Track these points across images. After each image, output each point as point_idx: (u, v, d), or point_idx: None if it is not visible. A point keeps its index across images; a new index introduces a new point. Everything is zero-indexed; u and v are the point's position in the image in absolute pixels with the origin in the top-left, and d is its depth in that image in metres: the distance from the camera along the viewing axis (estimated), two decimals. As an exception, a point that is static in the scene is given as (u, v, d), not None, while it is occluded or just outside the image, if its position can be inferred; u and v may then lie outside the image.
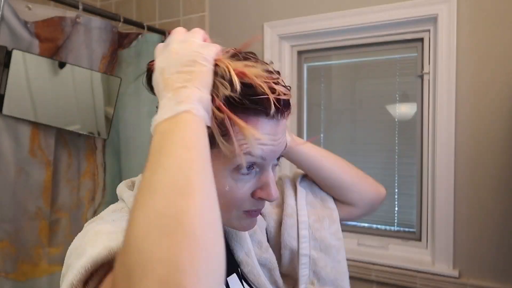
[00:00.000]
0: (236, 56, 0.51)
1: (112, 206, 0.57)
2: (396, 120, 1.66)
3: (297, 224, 0.68)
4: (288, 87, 0.51)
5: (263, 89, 0.46)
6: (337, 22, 1.64)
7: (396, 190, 1.67)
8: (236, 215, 0.52)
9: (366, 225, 1.73)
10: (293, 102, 0.55)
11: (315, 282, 0.66)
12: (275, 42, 1.78)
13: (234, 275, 0.60)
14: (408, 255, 1.60)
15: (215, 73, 0.47)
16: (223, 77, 0.46)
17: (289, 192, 0.72)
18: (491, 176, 1.41)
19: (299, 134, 1.86)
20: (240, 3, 1.86)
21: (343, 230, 1.84)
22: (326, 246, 0.68)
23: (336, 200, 0.74)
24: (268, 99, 0.46)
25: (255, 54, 0.54)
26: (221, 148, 0.47)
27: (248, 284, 0.62)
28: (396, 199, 1.67)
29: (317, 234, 0.68)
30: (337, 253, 0.69)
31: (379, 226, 1.71)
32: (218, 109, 0.45)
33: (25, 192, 1.36)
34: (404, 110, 1.65)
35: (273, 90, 0.47)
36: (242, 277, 0.62)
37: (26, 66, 1.33)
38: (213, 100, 0.45)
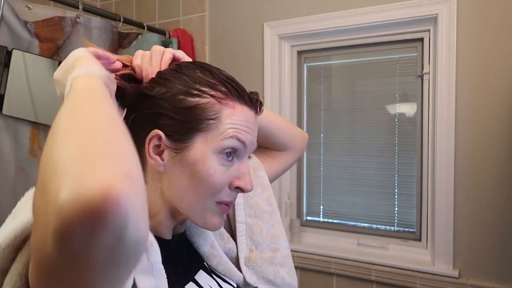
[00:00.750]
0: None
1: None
2: (396, 120, 1.66)
3: None
4: (255, 92, 0.58)
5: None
6: (337, 22, 1.64)
7: (396, 190, 1.67)
8: (211, 206, 0.54)
9: (366, 225, 1.73)
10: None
11: (253, 249, 0.68)
12: (275, 42, 1.78)
13: (201, 271, 0.60)
14: (408, 255, 1.60)
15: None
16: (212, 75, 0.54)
17: None
18: (491, 176, 1.42)
19: (299, 134, 1.86)
20: (240, 3, 1.86)
21: (343, 230, 1.85)
22: (260, 212, 0.71)
23: (270, 152, 0.78)
24: (245, 91, 0.54)
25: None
26: (210, 131, 0.51)
27: (218, 276, 0.63)
28: (396, 199, 1.67)
29: (250, 202, 0.71)
30: (270, 217, 0.71)
31: (379, 226, 1.71)
32: (215, 97, 0.52)
33: (25, 192, 1.36)
34: (404, 110, 1.65)
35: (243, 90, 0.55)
36: (211, 271, 0.63)
37: (26, 66, 1.33)
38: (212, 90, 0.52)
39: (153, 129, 0.51)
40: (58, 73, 0.46)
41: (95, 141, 0.31)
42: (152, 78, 0.53)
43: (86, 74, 0.41)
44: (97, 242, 0.27)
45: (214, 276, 0.62)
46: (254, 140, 0.55)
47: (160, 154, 0.52)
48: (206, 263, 0.63)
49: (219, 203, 0.54)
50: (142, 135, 0.51)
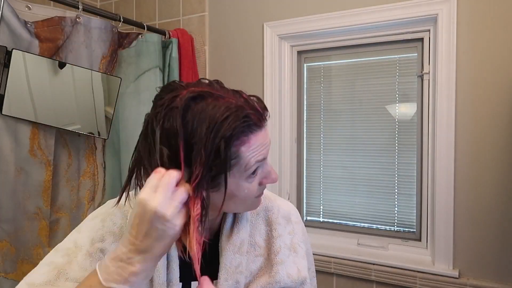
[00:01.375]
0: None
1: (97, 210, 0.71)
2: (396, 120, 1.66)
3: None
4: (255, 97, 0.60)
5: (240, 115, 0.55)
6: (337, 22, 1.64)
7: (396, 190, 1.67)
8: (251, 201, 0.64)
9: (366, 225, 1.73)
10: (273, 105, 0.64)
11: None
12: (275, 42, 1.78)
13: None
14: (408, 255, 1.60)
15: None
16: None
17: None
18: (491, 176, 1.42)
19: (299, 134, 1.86)
20: (240, 3, 1.86)
21: (343, 230, 1.84)
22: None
23: None
24: (254, 117, 0.56)
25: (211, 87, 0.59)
26: (233, 168, 0.57)
27: None
28: (396, 199, 1.67)
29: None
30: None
31: (379, 226, 1.71)
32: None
33: (25, 192, 1.36)
34: (404, 110, 1.65)
35: (249, 108, 0.56)
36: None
37: (26, 66, 1.33)
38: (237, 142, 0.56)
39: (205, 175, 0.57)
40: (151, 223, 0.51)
41: None
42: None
43: None
44: None
45: None
46: (269, 146, 0.61)
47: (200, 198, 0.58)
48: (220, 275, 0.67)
49: (256, 197, 0.64)
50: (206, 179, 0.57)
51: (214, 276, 0.66)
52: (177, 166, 0.53)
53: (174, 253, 0.64)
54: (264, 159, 0.60)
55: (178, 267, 0.64)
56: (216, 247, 0.69)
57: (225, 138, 0.54)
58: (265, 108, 0.60)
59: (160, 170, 0.53)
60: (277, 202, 0.78)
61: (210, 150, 0.53)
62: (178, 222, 0.51)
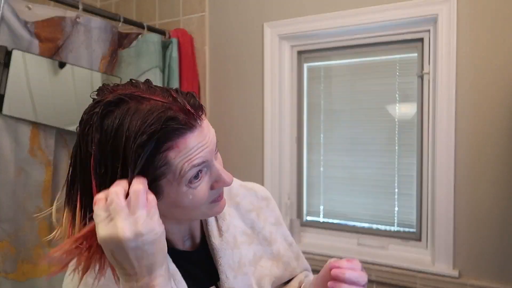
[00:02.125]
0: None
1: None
2: (396, 120, 1.66)
3: None
4: (189, 93, 0.55)
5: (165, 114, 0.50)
6: (337, 22, 1.64)
7: (396, 190, 1.67)
8: (205, 207, 0.58)
9: (366, 225, 1.73)
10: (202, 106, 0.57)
11: None
12: (275, 42, 1.78)
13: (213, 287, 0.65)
14: (408, 255, 1.60)
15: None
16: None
17: None
18: (491, 176, 1.42)
19: (299, 134, 1.86)
20: (240, 3, 1.86)
21: (343, 230, 1.85)
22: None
23: None
24: (181, 119, 0.51)
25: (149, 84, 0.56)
26: (167, 175, 0.52)
27: None
28: (396, 199, 1.67)
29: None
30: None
31: (379, 226, 1.71)
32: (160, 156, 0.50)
33: (25, 192, 1.36)
34: (404, 110, 1.65)
35: (177, 109, 0.51)
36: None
37: (26, 66, 1.33)
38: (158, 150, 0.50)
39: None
40: (130, 244, 0.46)
41: None
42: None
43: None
44: None
45: None
46: (211, 147, 0.55)
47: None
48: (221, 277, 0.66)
49: (211, 202, 0.59)
50: None
51: (215, 279, 0.66)
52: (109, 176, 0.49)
53: (172, 266, 0.59)
54: (205, 162, 0.54)
55: (182, 277, 0.60)
56: (204, 253, 0.68)
57: (144, 145, 0.48)
58: (199, 107, 0.54)
59: (100, 198, 0.47)
60: (241, 187, 0.77)
61: (131, 159, 0.48)
62: (154, 225, 0.47)
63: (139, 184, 0.48)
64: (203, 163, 0.53)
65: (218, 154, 0.60)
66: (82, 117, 0.53)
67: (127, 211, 0.46)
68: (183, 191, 0.53)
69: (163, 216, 0.52)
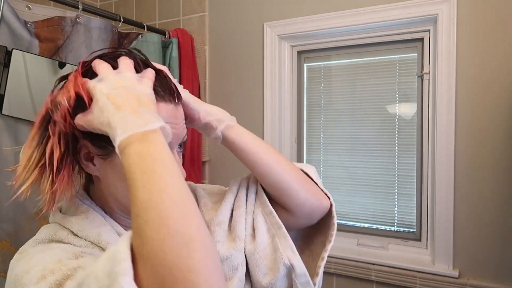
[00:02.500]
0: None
1: (38, 236, 0.60)
2: (396, 120, 1.66)
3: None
4: (164, 76, 0.56)
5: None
6: (337, 22, 1.64)
7: (396, 190, 1.67)
8: None
9: (366, 225, 1.73)
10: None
11: None
12: (275, 42, 1.78)
13: None
14: (408, 255, 1.60)
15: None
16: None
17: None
18: (491, 176, 1.42)
19: (299, 135, 1.86)
20: (240, 3, 1.86)
21: (343, 230, 1.84)
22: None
23: (273, 201, 0.68)
24: (161, 88, 0.52)
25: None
26: None
27: None
28: (396, 199, 1.67)
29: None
30: None
31: (379, 226, 1.71)
32: None
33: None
34: (404, 110, 1.65)
35: (158, 79, 0.53)
36: None
37: (26, 66, 1.33)
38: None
39: (78, 136, 0.52)
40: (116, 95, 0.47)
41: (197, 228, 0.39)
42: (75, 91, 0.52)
43: (150, 131, 0.43)
44: None
45: None
46: (179, 132, 0.55)
47: (91, 160, 0.55)
48: None
49: None
50: (72, 141, 0.53)
51: None
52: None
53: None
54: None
55: None
56: None
57: None
58: (178, 93, 0.56)
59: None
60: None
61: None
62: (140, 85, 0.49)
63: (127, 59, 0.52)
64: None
65: (181, 155, 0.60)
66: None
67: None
68: None
69: (107, 187, 0.55)
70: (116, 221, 0.59)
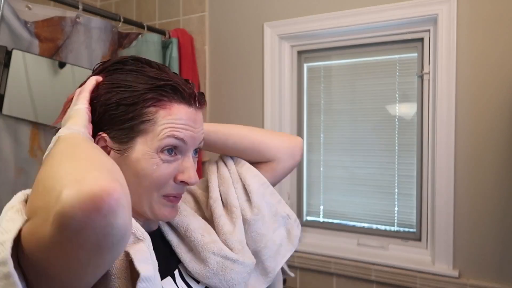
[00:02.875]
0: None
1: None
2: (396, 120, 1.66)
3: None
4: (190, 82, 0.60)
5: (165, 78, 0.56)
6: (337, 22, 1.64)
7: (396, 190, 1.67)
8: (158, 199, 0.57)
9: (366, 225, 1.73)
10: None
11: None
12: (275, 42, 1.78)
13: (169, 277, 0.62)
14: (408, 255, 1.60)
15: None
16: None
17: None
18: (491, 176, 1.42)
19: (299, 134, 1.86)
20: (240, 3, 1.86)
21: (343, 230, 1.85)
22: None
23: (256, 164, 0.76)
24: (179, 88, 0.55)
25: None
26: (148, 133, 0.54)
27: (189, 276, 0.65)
28: (396, 199, 1.67)
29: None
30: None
31: (379, 226, 1.71)
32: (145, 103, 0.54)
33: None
34: (404, 110, 1.65)
35: (183, 83, 0.57)
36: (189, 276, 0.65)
37: (26, 66, 1.33)
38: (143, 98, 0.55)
39: (99, 129, 0.56)
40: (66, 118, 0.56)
41: (89, 159, 0.41)
42: (98, 85, 0.58)
43: (70, 133, 0.50)
44: (92, 224, 0.35)
45: (189, 281, 0.64)
46: (196, 135, 0.57)
47: (107, 151, 0.56)
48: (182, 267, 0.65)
49: (166, 196, 0.57)
50: (94, 121, 0.57)
51: (172, 269, 0.64)
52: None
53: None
54: (184, 142, 0.56)
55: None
56: (160, 242, 0.65)
57: (145, 91, 0.54)
58: (202, 97, 0.59)
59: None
60: None
61: (121, 98, 0.54)
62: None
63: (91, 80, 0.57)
64: (182, 141, 0.55)
65: (196, 159, 0.62)
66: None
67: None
68: (152, 156, 0.54)
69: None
70: None
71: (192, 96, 0.57)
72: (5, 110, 1.30)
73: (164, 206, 0.58)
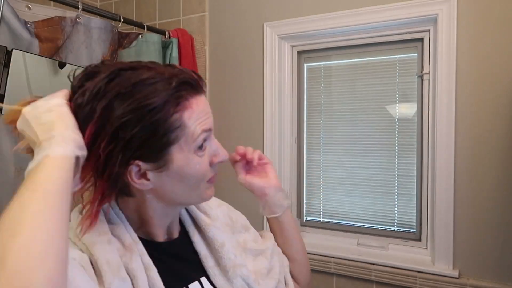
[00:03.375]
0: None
1: None
2: (396, 120, 1.66)
3: None
4: (182, 68, 0.57)
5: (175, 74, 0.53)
6: (337, 22, 1.64)
7: (396, 190, 1.67)
8: (204, 186, 0.59)
9: (366, 225, 1.73)
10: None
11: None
12: (275, 42, 1.78)
13: (196, 282, 0.62)
14: (408, 255, 1.60)
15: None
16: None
17: None
18: (491, 176, 1.42)
19: (299, 135, 1.86)
20: (240, 3, 1.86)
21: (343, 230, 1.85)
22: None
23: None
24: (189, 81, 0.53)
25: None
26: (180, 138, 0.53)
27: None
28: (396, 199, 1.67)
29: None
30: None
31: (379, 226, 1.71)
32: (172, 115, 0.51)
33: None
34: (404, 110, 1.65)
35: (182, 73, 0.54)
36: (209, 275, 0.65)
37: (26, 66, 1.33)
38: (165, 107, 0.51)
39: (129, 160, 0.51)
40: (29, 116, 0.49)
41: (31, 236, 0.37)
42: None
43: (56, 157, 0.43)
44: None
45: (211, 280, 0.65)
46: (211, 117, 0.58)
47: (144, 176, 0.54)
48: (204, 265, 0.65)
49: (208, 180, 0.60)
50: (120, 165, 0.51)
51: (199, 274, 0.64)
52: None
53: (147, 260, 0.56)
54: (210, 130, 0.56)
55: (157, 273, 0.56)
56: (185, 245, 0.66)
57: (162, 103, 0.49)
58: (200, 77, 0.57)
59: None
60: None
61: (143, 118, 0.49)
62: (53, 100, 0.49)
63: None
64: (209, 130, 0.56)
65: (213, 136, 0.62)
66: (83, 86, 0.51)
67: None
68: (192, 158, 0.55)
69: (158, 196, 0.56)
70: (146, 233, 0.61)
71: (198, 82, 0.56)
72: (5, 110, 1.30)
73: (208, 189, 0.61)
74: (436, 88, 1.49)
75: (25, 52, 1.32)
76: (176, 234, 0.65)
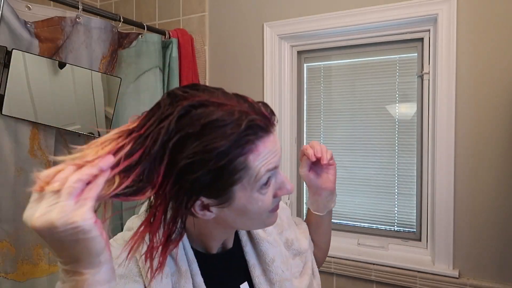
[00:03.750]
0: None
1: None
2: (396, 120, 1.66)
3: None
4: (261, 102, 0.56)
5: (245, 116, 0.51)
6: (337, 22, 1.64)
7: (396, 190, 1.67)
8: (266, 216, 0.60)
9: (366, 225, 1.73)
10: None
11: None
12: (275, 42, 1.78)
13: (246, 282, 0.69)
14: (408, 255, 1.60)
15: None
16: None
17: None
18: (491, 176, 1.42)
19: (299, 135, 1.86)
20: (240, 3, 1.86)
21: (343, 230, 1.84)
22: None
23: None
24: (261, 123, 0.52)
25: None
26: (243, 179, 0.53)
27: None
28: (396, 199, 1.67)
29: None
30: None
31: (379, 226, 1.71)
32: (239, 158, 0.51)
33: (25, 192, 1.36)
34: (404, 110, 1.65)
35: (254, 113, 0.52)
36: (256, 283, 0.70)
37: (26, 66, 1.33)
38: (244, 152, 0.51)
39: (192, 196, 0.52)
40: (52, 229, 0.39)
41: None
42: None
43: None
44: None
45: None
46: (280, 154, 0.57)
47: (206, 208, 0.55)
48: (253, 274, 0.70)
49: (271, 211, 0.60)
50: (186, 207, 0.52)
51: (247, 276, 0.69)
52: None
53: (199, 280, 0.61)
54: (276, 167, 0.56)
55: (203, 282, 0.62)
56: (236, 256, 0.70)
57: (228, 148, 0.49)
58: (272, 113, 0.55)
59: (45, 174, 0.43)
60: None
61: (209, 161, 0.48)
62: (77, 218, 0.38)
63: (90, 169, 0.43)
64: (274, 168, 0.55)
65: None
66: (156, 121, 0.49)
67: (52, 195, 0.40)
68: (254, 196, 0.55)
69: (219, 222, 0.58)
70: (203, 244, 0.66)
71: (268, 122, 0.53)
72: (5, 110, 1.30)
73: (270, 217, 0.61)
74: (436, 88, 1.49)
75: (25, 52, 1.32)
76: (230, 245, 0.69)
